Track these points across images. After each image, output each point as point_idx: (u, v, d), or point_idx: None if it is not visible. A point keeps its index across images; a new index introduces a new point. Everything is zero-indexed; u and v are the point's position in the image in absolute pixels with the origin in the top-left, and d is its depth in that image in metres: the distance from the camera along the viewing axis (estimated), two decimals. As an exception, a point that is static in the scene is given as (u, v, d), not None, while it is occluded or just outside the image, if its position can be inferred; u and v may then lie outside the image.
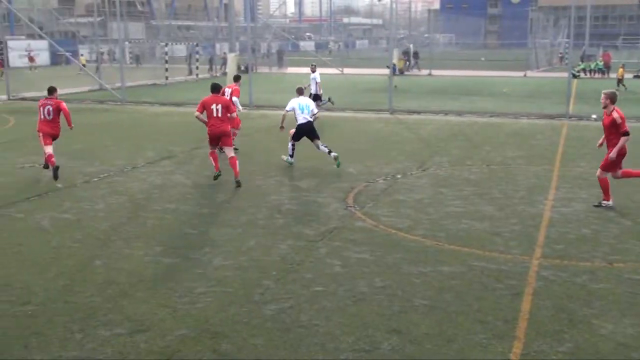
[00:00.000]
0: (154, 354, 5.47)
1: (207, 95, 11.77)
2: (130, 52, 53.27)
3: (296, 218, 9.55)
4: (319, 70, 22.77)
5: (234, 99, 14.60)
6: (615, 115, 9.60)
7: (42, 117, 12.41)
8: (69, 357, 5.43)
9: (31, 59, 49.24)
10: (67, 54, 37.43)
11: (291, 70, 48.56)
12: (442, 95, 29.37)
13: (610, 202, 9.96)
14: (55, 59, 53.17)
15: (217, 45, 52.23)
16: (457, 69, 45.88)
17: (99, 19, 47.34)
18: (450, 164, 13.62)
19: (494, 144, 16.28)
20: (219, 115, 11.57)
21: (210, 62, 46.24)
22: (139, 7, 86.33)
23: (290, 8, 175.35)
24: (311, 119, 13.41)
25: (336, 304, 6.45)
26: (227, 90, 14.59)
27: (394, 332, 5.84)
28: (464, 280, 7.08)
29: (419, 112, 22.76)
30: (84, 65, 36.91)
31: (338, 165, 12.90)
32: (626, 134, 9.61)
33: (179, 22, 78.74)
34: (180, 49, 51.87)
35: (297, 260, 7.74)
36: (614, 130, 9.69)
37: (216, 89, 11.91)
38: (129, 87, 28.78)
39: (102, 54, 45.37)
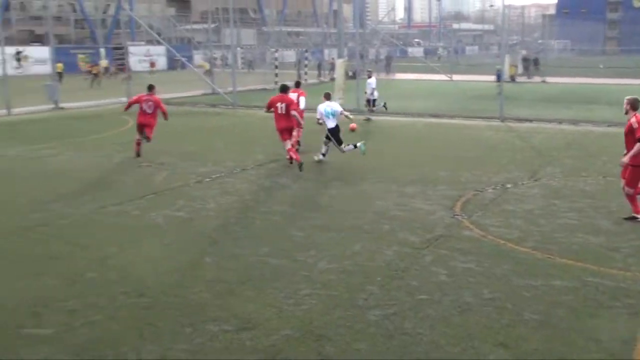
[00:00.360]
0: (259, 352, 5.58)
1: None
2: (242, 58, 54.83)
3: (402, 224, 9.47)
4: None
5: (302, 98, 15.58)
6: (632, 120, 9.20)
7: (143, 109, 15.02)
8: (179, 349, 5.63)
9: (152, 64, 51.77)
10: (182, 59, 38.97)
11: (399, 76, 48.35)
12: (556, 103, 28.27)
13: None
14: (172, 64, 55.53)
15: (326, 51, 52.86)
16: (572, 76, 44.08)
17: (213, 25, 49.12)
18: (564, 174, 13.09)
19: (612, 154, 15.45)
20: (283, 112, 13.39)
21: (319, 67, 46.72)
22: (251, 14, 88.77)
23: (399, 14, 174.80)
24: (336, 124, 14.10)
25: (441, 313, 6.34)
26: (294, 95, 15.21)
27: (501, 346, 5.67)
28: (577, 296, 6.78)
29: (530, 120, 22.01)
30: (207, 70, 38.29)
31: (364, 153, 14.12)
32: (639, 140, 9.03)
33: (289, 29, 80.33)
34: (290, 55, 52.84)
35: (402, 267, 7.67)
36: (631, 138, 9.22)
37: (284, 89, 13.93)
38: (240, 91, 29.58)
39: (215, 59, 47.02)
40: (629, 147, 9.38)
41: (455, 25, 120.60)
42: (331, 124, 14.06)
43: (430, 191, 11.56)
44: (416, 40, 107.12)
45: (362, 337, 5.85)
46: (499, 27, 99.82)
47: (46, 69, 38.15)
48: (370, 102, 22.99)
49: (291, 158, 13.60)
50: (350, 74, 35.62)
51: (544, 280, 7.21)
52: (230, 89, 28.63)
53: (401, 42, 76.65)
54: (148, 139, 15.09)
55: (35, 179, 12.75)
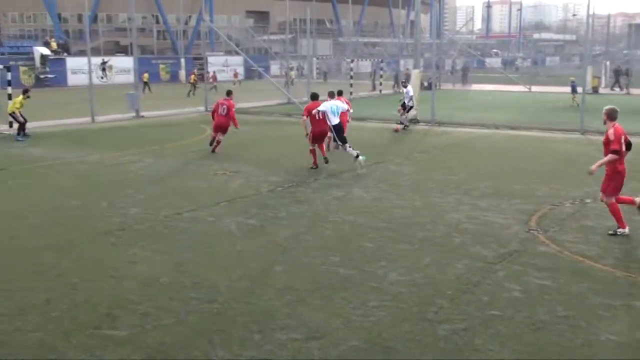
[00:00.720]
0: (327, 362, 5.58)
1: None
2: (317, 68, 55.29)
3: (474, 238, 9.29)
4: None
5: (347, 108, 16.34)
6: (609, 131, 9.29)
7: (220, 112, 17.08)
8: (248, 356, 5.69)
9: (235, 75, 52.92)
10: (259, 69, 39.68)
11: (476, 87, 47.61)
12: (641, 116, 27.19)
13: (626, 230, 9.33)
14: (249, 74, 56.55)
15: (401, 62, 52.60)
16: (660, 88, 42.23)
17: (290, 36, 49.74)
18: (648, 190, 12.53)
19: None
20: (320, 117, 14.66)
21: (396, 78, 46.39)
22: (328, 25, 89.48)
23: (478, 24, 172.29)
24: (340, 121, 14.83)
25: (513, 330, 6.17)
26: (341, 103, 15.99)
27: (576, 367, 5.47)
28: (660, 318, 6.47)
29: (613, 134, 21.23)
30: (292, 80, 38.86)
31: (363, 162, 14.53)
32: (614, 152, 9.15)
33: (365, 39, 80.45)
34: (365, 65, 52.92)
35: (474, 281, 7.52)
36: (607, 149, 9.32)
37: (315, 97, 15.70)
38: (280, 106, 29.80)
39: (291, 69, 47.60)
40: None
41: (536, 35, 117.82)
42: (335, 120, 14.74)
43: (505, 205, 11.31)
44: (494, 50, 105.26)
45: (430, 351, 5.76)
46: (581, 37, 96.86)
47: (129, 78, 39.56)
48: (407, 108, 23.09)
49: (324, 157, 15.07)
50: (426, 84, 35.36)
51: (624, 300, 6.92)
52: (305, 98, 28.89)
53: (479, 53, 75.44)
54: (218, 142, 17.27)
55: (115, 185, 13.21)
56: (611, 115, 9.44)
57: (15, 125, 21.00)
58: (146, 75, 47.64)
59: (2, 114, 21.61)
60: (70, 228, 9.93)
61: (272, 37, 72.87)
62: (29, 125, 21.29)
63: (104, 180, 13.68)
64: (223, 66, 55.20)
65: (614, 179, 9.36)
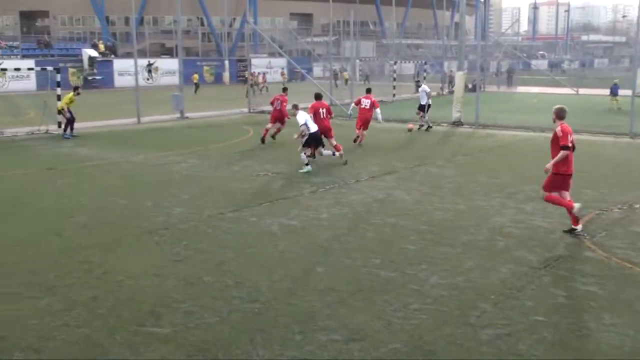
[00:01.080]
0: (367, 364, 5.56)
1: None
2: (360, 70, 55.20)
3: (519, 242, 9.15)
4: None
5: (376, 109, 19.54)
6: (557, 129, 9.56)
7: (275, 106, 19.74)
8: (289, 356, 5.71)
9: (282, 75, 53.41)
10: (302, 70, 39.82)
11: (521, 89, 46.88)
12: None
13: (579, 228, 9.53)
14: (292, 75, 56.80)
15: (445, 64, 52.20)
16: None
17: (333, 38, 49.76)
18: (700, 195, 12.17)
19: None
20: (324, 116, 16.27)
21: (443, 80, 45.67)
22: (371, 27, 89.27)
23: (524, 26, 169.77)
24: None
25: (558, 337, 6.06)
26: (366, 101, 19.54)
27: (623, 375, 5.33)
28: None
29: (664, 138, 20.69)
30: (347, 81, 38.93)
31: (345, 163, 15.43)
32: (565, 147, 9.39)
33: (409, 41, 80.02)
34: (409, 67, 52.63)
35: (518, 286, 7.40)
36: (556, 146, 9.53)
37: (318, 97, 17.21)
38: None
39: (345, 70, 47.71)
40: (553, 154, 9.61)
41: (584, 37, 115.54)
42: (314, 128, 15.25)
43: (551, 208, 11.08)
44: (540, 52, 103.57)
45: (472, 355, 5.69)
46: (631, 38, 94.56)
47: (174, 80, 40.09)
48: (425, 108, 23.24)
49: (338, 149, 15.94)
50: (470, 86, 34.99)
51: (674, 308, 6.73)
52: (347, 100, 28.87)
53: (524, 55, 74.34)
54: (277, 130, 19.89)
55: (160, 185, 13.40)
56: (560, 114, 9.78)
57: (63, 124, 21.53)
58: (196, 76, 48.48)
59: (51, 114, 22.14)
60: (115, 227, 10.11)
61: (316, 39, 73.04)
62: (77, 125, 21.77)
63: (149, 180, 13.90)
64: (267, 68, 55.58)
65: (558, 178, 9.60)
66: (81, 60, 51.55)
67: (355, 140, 19.24)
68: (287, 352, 5.77)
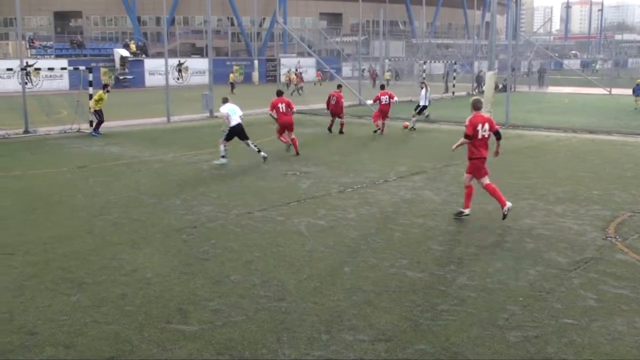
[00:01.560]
0: (393, 364, 5.54)
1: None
2: (389, 70, 55.03)
3: (548, 244, 9.04)
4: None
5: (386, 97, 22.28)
6: (467, 119, 10.33)
7: (331, 102, 21.59)
8: (315, 355, 5.71)
9: (319, 75, 53.52)
10: (331, 70, 39.83)
11: (552, 89, 46.31)
12: None
13: (467, 211, 10.36)
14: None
15: (475, 63, 51.76)
16: None
17: (362, 37, 49.65)
18: None
19: None
20: (284, 110, 17.50)
21: (477, 79, 44.93)
22: (401, 27, 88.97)
23: (556, 25, 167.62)
24: (240, 121, 16.03)
25: (587, 340, 5.97)
26: (384, 97, 22.32)
27: (654, 380, 5.24)
28: None
29: (699, 138, 20.26)
30: (387, 80, 38.89)
31: (265, 160, 15.89)
32: (466, 136, 10.23)
33: (439, 41, 79.58)
34: (438, 67, 52.34)
35: (547, 288, 7.31)
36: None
37: (279, 94, 18.12)
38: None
39: (362, 71, 47.50)
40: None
41: (618, 36, 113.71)
42: (236, 121, 15.87)
43: (582, 210, 10.95)
44: (573, 52, 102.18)
45: (500, 358, 5.64)
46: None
47: (204, 79, 40.40)
48: (419, 109, 24.53)
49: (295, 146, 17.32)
50: (500, 86, 34.66)
51: None
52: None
53: (556, 54, 73.37)
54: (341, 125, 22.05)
55: (189, 183, 13.51)
56: (475, 106, 10.51)
57: (94, 123, 21.89)
58: (231, 75, 48.87)
59: (83, 113, 22.47)
60: (145, 225, 10.22)
61: (345, 38, 73.03)
62: (108, 124, 22.06)
63: (178, 179, 14.02)
64: (296, 68, 55.71)
65: (472, 163, 10.35)
66: (113, 60, 52.27)
67: (375, 131, 22.14)
68: (314, 352, 5.78)
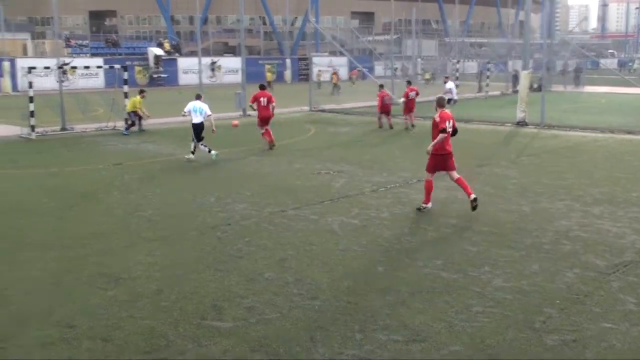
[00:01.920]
0: (428, 365, 5.50)
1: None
2: (422, 69, 54.71)
3: (586, 246, 8.88)
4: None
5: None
6: (435, 116, 10.80)
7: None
8: (349, 354, 5.70)
9: (354, 73, 53.30)
10: (364, 69, 39.74)
11: (588, 89, 45.57)
12: None
13: (429, 205, 10.88)
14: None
15: (510, 63, 51.22)
16: None
17: (395, 36, 49.45)
18: None
19: None
20: (265, 104, 17.80)
21: (514, 79, 44.12)
22: (434, 25, 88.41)
23: (592, 23, 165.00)
24: (203, 120, 16.24)
25: (627, 345, 5.85)
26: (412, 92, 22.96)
27: (697, 387, 5.11)
28: None
29: None
30: (428, 80, 38.75)
31: (215, 156, 16.11)
32: (442, 131, 10.67)
33: (472, 40, 78.88)
34: (472, 66, 51.89)
35: (585, 291, 7.19)
36: (436, 130, 10.76)
37: (262, 87, 18.63)
38: (418, 102, 29.50)
39: (395, 69, 47.22)
40: (433, 138, 10.84)
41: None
42: (196, 119, 16.15)
43: (621, 212, 10.75)
44: (610, 51, 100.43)
45: (537, 361, 5.56)
46: None
47: (237, 78, 40.60)
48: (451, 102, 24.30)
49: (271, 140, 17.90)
50: (535, 86, 34.22)
51: None
52: (430, 98, 28.58)
53: (593, 53, 72.18)
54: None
55: (223, 181, 13.60)
56: (440, 103, 11.00)
57: (132, 121, 22.22)
58: (269, 74, 49.15)
59: (118, 111, 22.77)
60: (179, 221, 10.31)
61: (377, 37, 72.79)
62: (143, 122, 22.31)
63: (212, 177, 14.12)
64: (327, 67, 55.69)
65: (434, 157, 10.83)
66: (147, 59, 52.83)
67: (406, 128, 23.01)
68: (347, 351, 5.77)
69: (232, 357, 5.68)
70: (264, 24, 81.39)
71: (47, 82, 33.62)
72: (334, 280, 7.57)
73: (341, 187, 12.87)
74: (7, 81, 42.84)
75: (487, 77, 41.57)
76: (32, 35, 69.77)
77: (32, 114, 20.72)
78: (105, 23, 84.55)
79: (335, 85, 43.40)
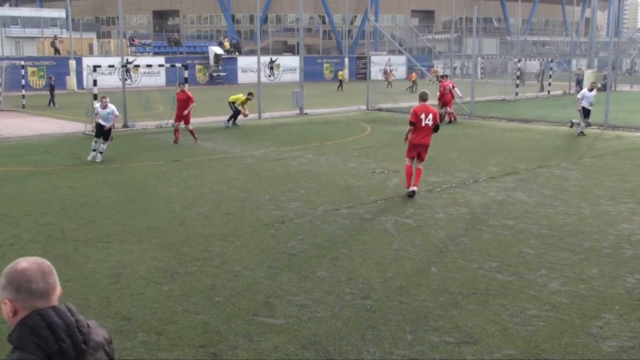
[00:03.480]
0: (480, 368, 5.42)
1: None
2: (482, 68, 53.87)
3: (648, 251, 8.60)
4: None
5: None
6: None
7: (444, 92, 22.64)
8: (399, 355, 5.67)
9: (413, 76, 52.40)
10: (422, 68, 39.38)
11: (657, 89, 44.04)
12: None
13: (414, 189, 11.82)
14: (410, 73, 56.45)
15: (574, 61, 49.92)
16: None
17: (455, 35, 48.86)
18: None
19: None
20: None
21: (578, 82, 42.82)
22: (495, 24, 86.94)
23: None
24: (106, 124, 16.38)
25: (690, 354, 5.64)
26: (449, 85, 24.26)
27: None
28: None
29: None
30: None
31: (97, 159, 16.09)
32: (410, 123, 11.87)
33: (534, 38, 77.24)
34: (533, 65, 50.79)
35: (646, 297, 6.96)
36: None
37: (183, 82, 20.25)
38: (478, 101, 29.10)
39: (454, 68, 46.72)
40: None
41: None
42: (103, 122, 16.35)
43: (686, 217, 10.35)
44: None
45: (593, 368, 5.41)
46: None
47: (295, 77, 40.85)
48: (586, 114, 21.04)
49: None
50: (599, 85, 33.27)
51: None
52: (467, 98, 28.29)
53: (661, 52, 69.65)
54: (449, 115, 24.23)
55: (278, 178, 13.70)
56: (422, 97, 11.90)
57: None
58: (341, 73, 49.35)
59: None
60: (234, 218, 10.44)
61: (437, 36, 72.07)
62: (201, 120, 22.70)
63: (268, 174, 14.24)
64: (386, 65, 55.48)
65: (411, 144, 11.92)
66: (207, 58, 53.67)
67: (442, 119, 22.38)
68: (398, 351, 5.74)
69: (282, 353, 5.73)
70: (323, 22, 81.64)
71: (111, 80, 34.52)
72: (387, 279, 7.54)
73: (396, 187, 12.80)
74: (73, 79, 44.17)
75: (550, 76, 40.63)
76: (98, 34, 71.88)
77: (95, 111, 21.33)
78: (168, 22, 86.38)
79: (388, 81, 44.00)
